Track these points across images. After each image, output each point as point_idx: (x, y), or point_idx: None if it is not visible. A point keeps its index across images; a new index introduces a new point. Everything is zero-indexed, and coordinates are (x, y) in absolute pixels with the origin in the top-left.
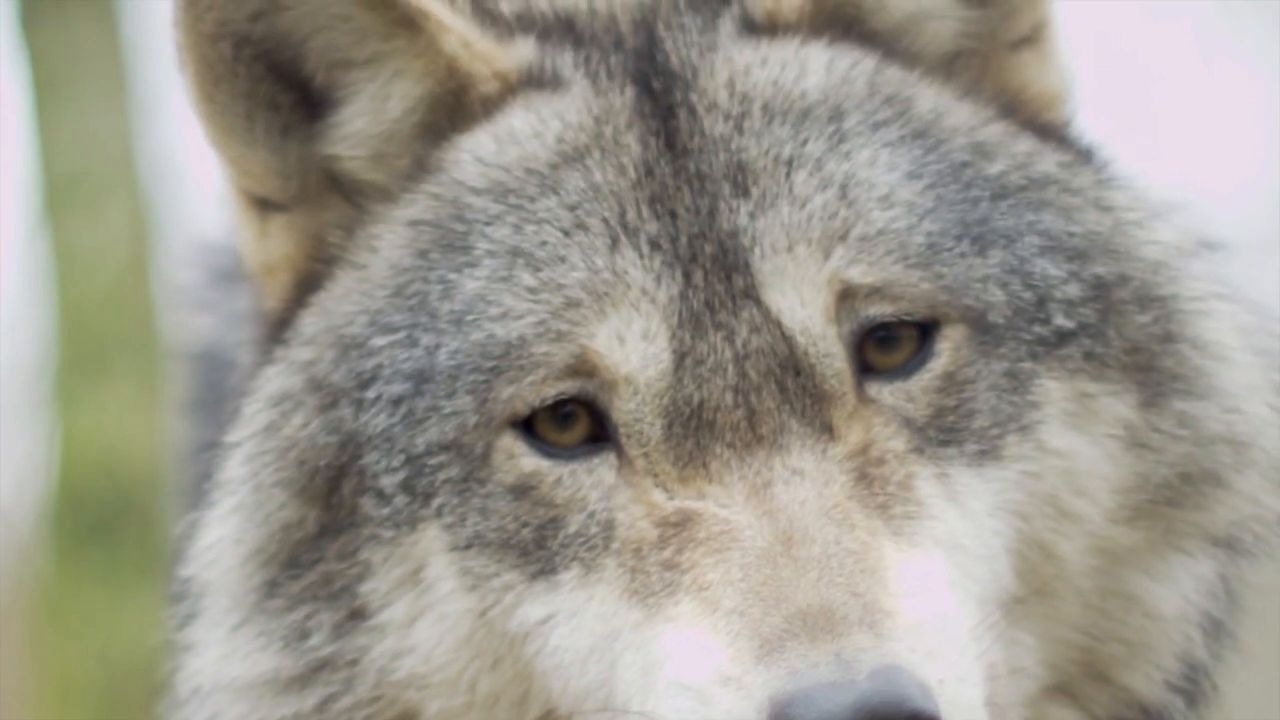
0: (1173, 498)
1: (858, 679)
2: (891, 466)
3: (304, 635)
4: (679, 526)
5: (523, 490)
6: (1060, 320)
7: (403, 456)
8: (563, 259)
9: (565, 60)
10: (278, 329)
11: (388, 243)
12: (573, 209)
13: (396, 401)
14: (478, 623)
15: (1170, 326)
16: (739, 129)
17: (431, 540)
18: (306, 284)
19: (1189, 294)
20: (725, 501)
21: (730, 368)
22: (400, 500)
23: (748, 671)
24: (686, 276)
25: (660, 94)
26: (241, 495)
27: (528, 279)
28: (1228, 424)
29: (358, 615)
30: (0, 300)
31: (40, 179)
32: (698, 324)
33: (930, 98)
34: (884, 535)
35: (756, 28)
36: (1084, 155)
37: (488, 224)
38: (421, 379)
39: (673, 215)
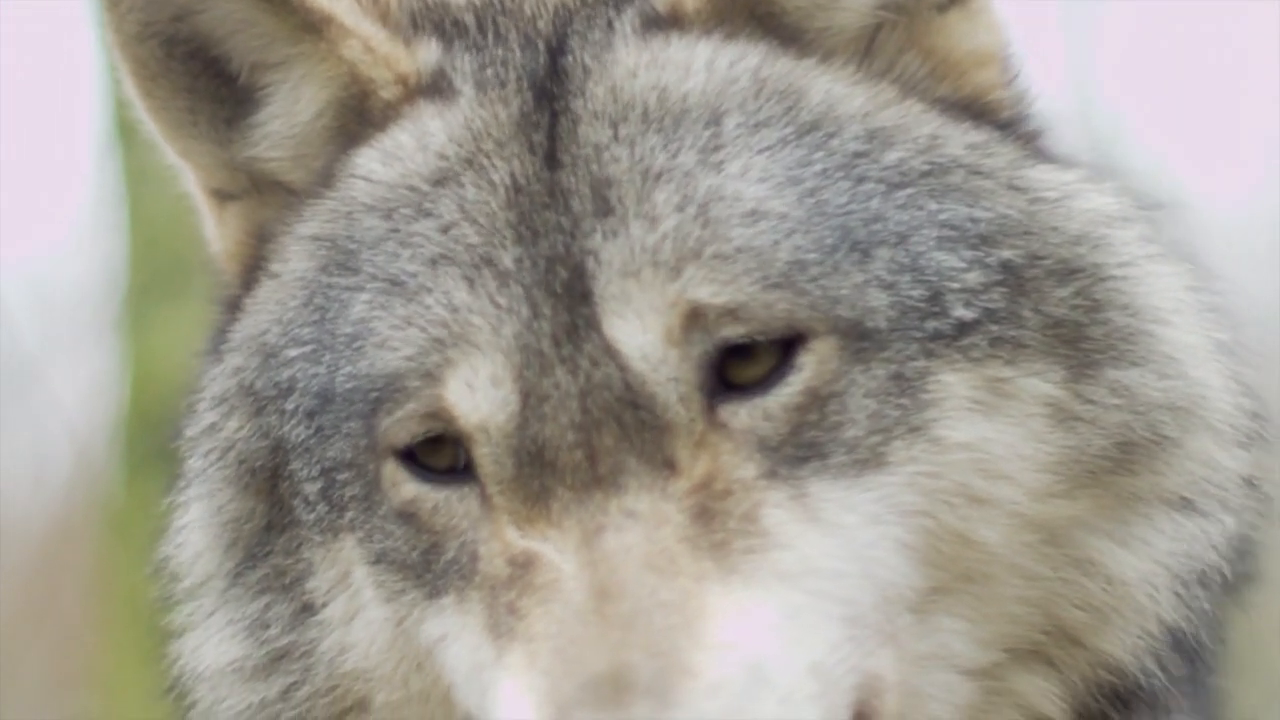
0: (1115, 467)
1: None
2: (737, 498)
3: (264, 625)
4: (524, 569)
5: (408, 515)
6: (960, 311)
7: (319, 468)
8: (429, 290)
9: (464, 65)
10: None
11: (294, 253)
12: (445, 232)
13: (310, 414)
14: (396, 630)
15: (1098, 296)
16: (615, 138)
17: (351, 549)
18: (249, 281)
19: (1118, 260)
20: (560, 547)
21: (573, 404)
22: (322, 509)
23: None
24: (536, 307)
25: (551, 101)
26: (199, 487)
27: (400, 309)
28: (1165, 389)
29: (307, 609)
30: (72, 221)
31: (110, 101)
32: (544, 360)
33: (824, 86)
34: (712, 579)
35: (658, 23)
36: (1007, 127)
37: (372, 246)
38: (325, 397)
39: (535, 238)
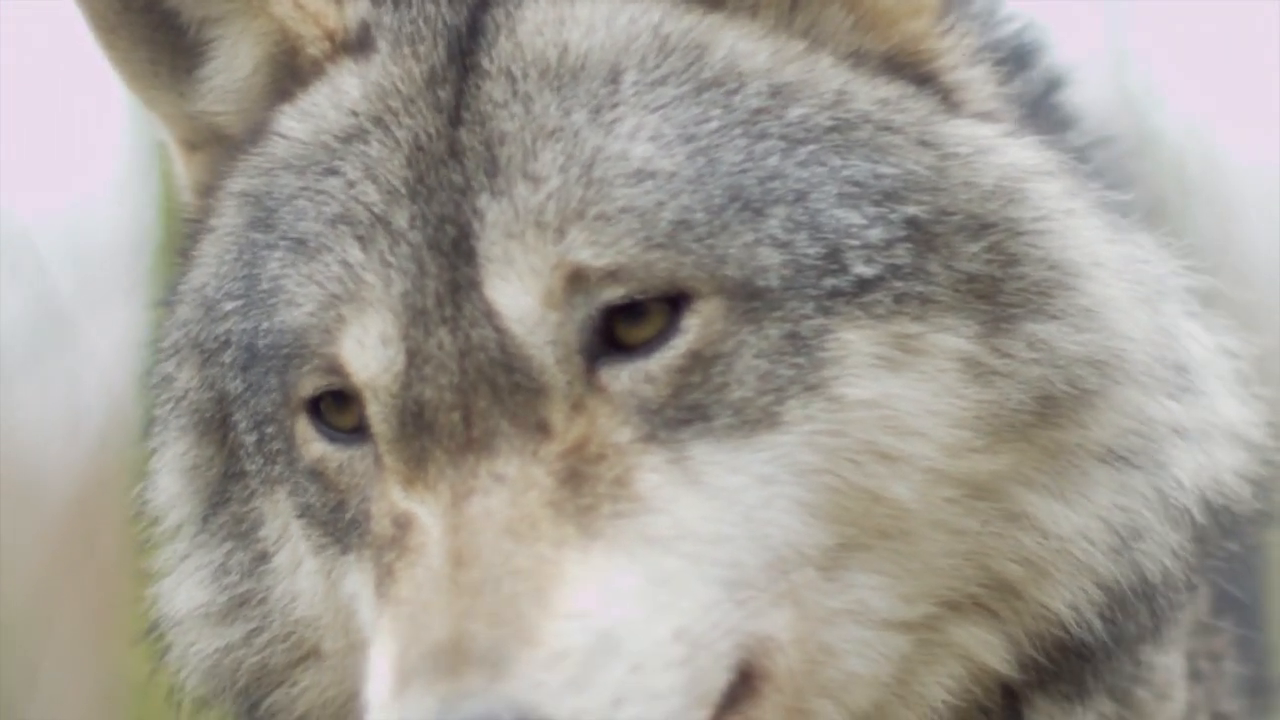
0: (1038, 421)
1: None
2: (610, 462)
3: (226, 571)
4: (403, 530)
5: (317, 473)
6: (860, 268)
7: (252, 421)
8: (329, 249)
9: (388, 21)
10: None
11: (227, 207)
12: (347, 190)
13: (243, 368)
14: (327, 582)
15: (1013, 250)
16: (513, 95)
17: (285, 501)
18: (195, 232)
19: (1034, 215)
20: (433, 510)
21: (453, 365)
22: (259, 460)
23: (384, 706)
24: (424, 266)
25: (464, 57)
26: (164, 435)
27: (304, 267)
28: (1083, 343)
29: (263, 557)
30: (108, 173)
31: None
32: (428, 319)
33: (729, 42)
34: (572, 545)
35: None
36: (930, 79)
37: (286, 203)
38: (252, 352)
39: (430, 196)
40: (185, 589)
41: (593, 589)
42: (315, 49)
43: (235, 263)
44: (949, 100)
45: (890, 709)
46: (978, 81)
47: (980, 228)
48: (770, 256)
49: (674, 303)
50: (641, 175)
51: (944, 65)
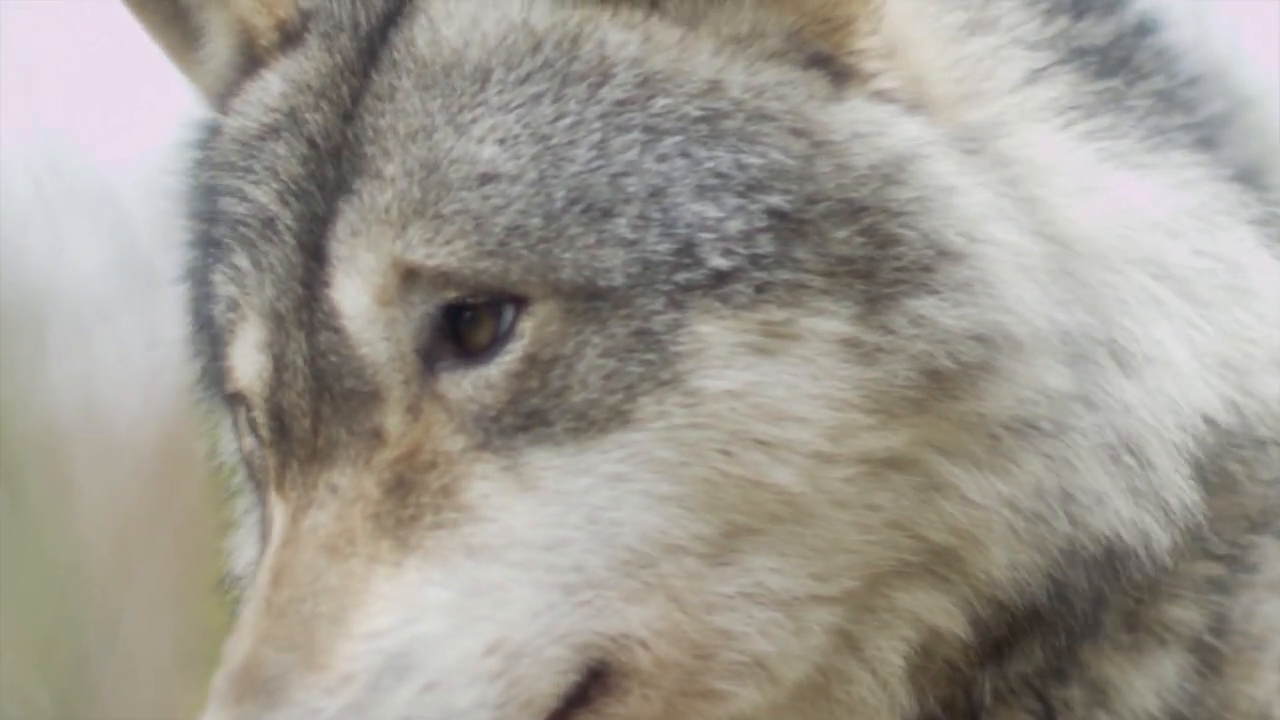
0: (934, 394)
1: None
2: (439, 471)
3: (267, 531)
4: (267, 539)
5: (247, 463)
6: (717, 261)
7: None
8: (234, 251)
9: (324, 8)
10: None
11: (199, 195)
12: (255, 188)
13: (212, 355)
14: None
15: (890, 230)
16: (393, 93)
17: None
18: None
19: (913, 195)
20: (281, 521)
21: (307, 370)
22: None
23: None
24: (292, 269)
25: (373, 49)
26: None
27: (219, 269)
28: (963, 317)
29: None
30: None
31: None
32: (289, 324)
33: (601, 34)
34: (385, 561)
35: None
36: (824, 61)
37: (216, 199)
38: (217, 340)
39: (310, 196)
40: (246, 544)
41: (396, 607)
42: (266, 40)
43: (195, 254)
44: (843, 80)
45: (849, 673)
46: (902, 54)
47: (853, 212)
48: (614, 256)
49: (514, 306)
50: (485, 178)
51: (849, 43)
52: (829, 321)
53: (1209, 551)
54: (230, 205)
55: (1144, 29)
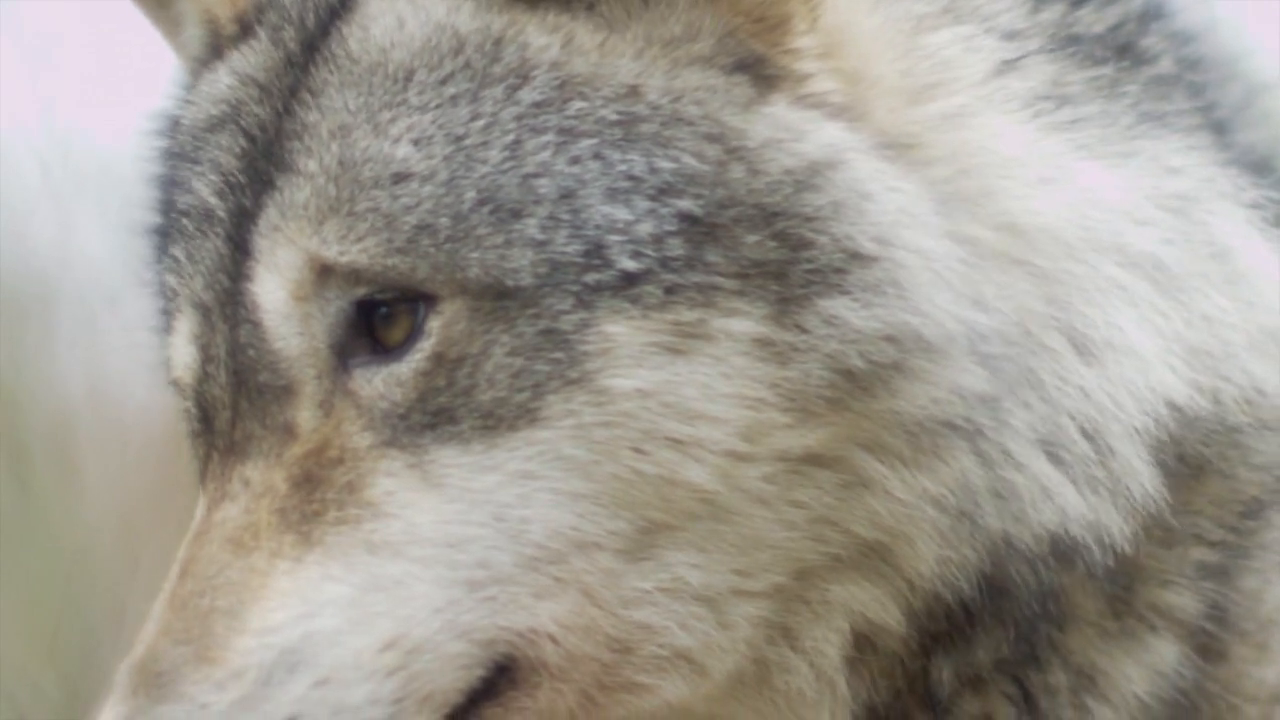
0: (851, 393)
1: None
2: (345, 467)
3: None
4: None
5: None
6: (626, 263)
7: None
8: (176, 243)
9: (274, 4)
10: None
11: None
12: (197, 180)
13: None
14: None
15: (802, 235)
16: (324, 89)
17: None
18: None
19: (827, 200)
20: (199, 514)
21: (229, 363)
22: None
23: None
24: (222, 263)
25: (316, 43)
26: None
27: (165, 259)
28: (872, 317)
29: None
30: None
31: None
32: (214, 317)
33: (525, 37)
34: (286, 556)
35: None
36: (749, 66)
37: (170, 190)
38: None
39: (243, 190)
40: None
41: (292, 602)
42: (227, 31)
43: (151, 244)
44: (770, 83)
45: (787, 663)
46: (844, 50)
47: (766, 217)
48: (522, 256)
49: (424, 304)
50: (398, 178)
51: (785, 42)
52: (741, 322)
53: (1202, 538)
54: (178, 196)
55: (1151, 14)
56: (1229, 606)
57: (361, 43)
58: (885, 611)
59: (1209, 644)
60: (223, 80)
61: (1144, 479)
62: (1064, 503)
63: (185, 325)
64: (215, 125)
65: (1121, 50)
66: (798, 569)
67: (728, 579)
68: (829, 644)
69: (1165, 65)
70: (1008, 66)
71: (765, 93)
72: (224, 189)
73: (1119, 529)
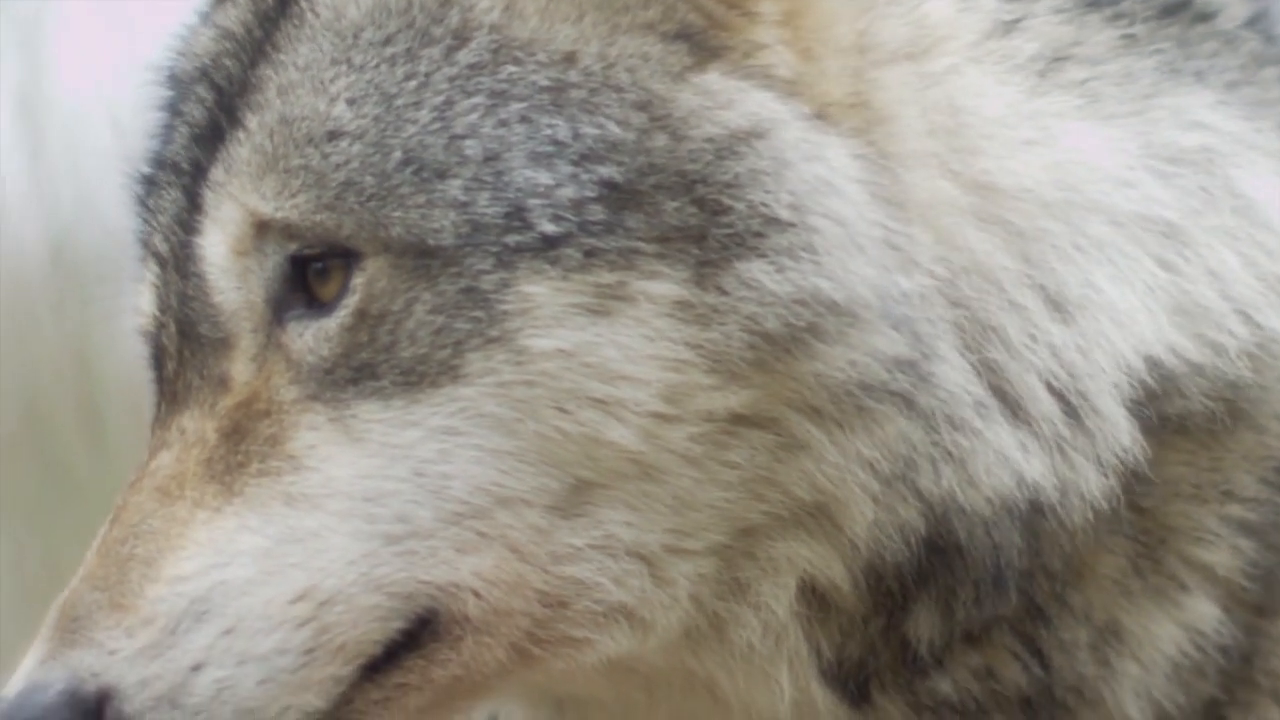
0: (767, 357)
1: (3, 698)
2: (271, 420)
3: None
4: None
5: None
6: (546, 226)
7: None
8: (150, 192)
9: None
10: None
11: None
12: (175, 131)
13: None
14: None
15: (722, 201)
16: (284, 45)
17: None
18: None
19: (748, 168)
20: (141, 461)
21: (177, 313)
22: None
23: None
24: (178, 216)
25: (289, 3)
26: None
27: (141, 210)
28: (788, 281)
29: None
30: None
31: None
32: (168, 268)
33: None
34: (207, 506)
35: None
36: (688, 36)
37: (159, 142)
38: None
39: (205, 142)
40: None
41: (206, 552)
42: None
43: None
44: (710, 53)
45: (741, 617)
46: (804, 16)
47: (687, 184)
48: (445, 216)
49: (351, 260)
50: (331, 135)
51: (741, 8)
52: (662, 284)
53: (1234, 494)
54: (159, 147)
55: None
56: (1272, 565)
57: (323, 1)
58: (831, 570)
59: (1252, 600)
60: (206, 33)
61: (1122, 434)
62: (1022, 465)
63: (148, 274)
64: (195, 78)
65: (1168, 9)
66: (740, 528)
67: (662, 537)
68: (776, 600)
69: (1223, 21)
70: (1007, 27)
71: (704, 61)
72: (189, 142)
73: (1097, 485)
